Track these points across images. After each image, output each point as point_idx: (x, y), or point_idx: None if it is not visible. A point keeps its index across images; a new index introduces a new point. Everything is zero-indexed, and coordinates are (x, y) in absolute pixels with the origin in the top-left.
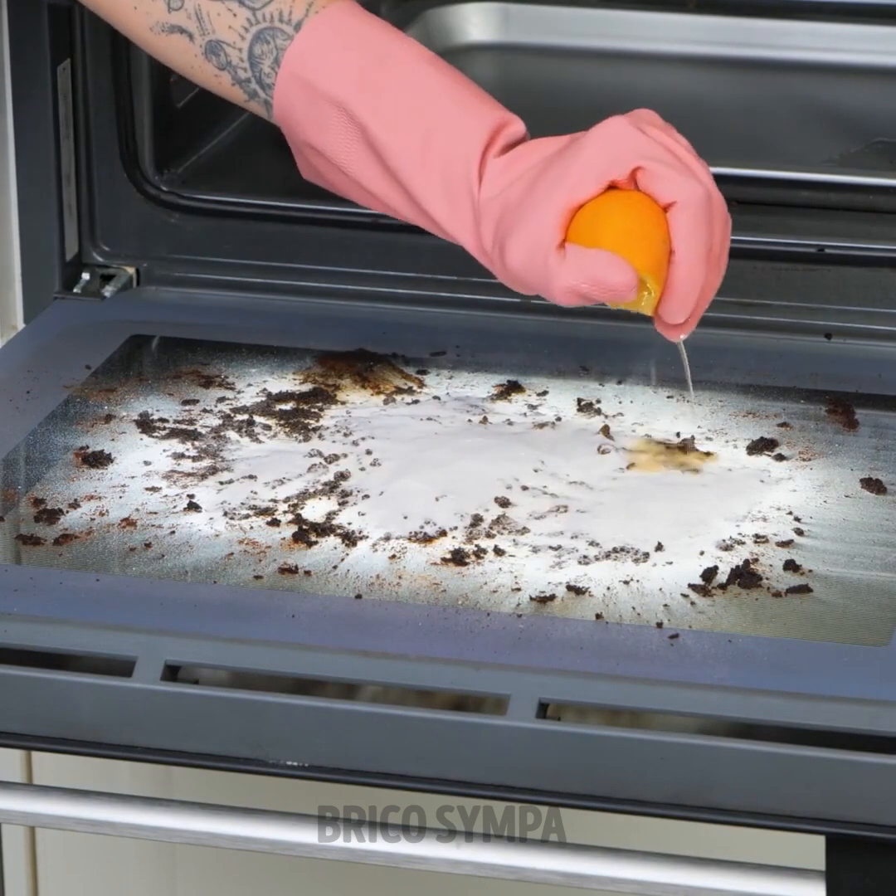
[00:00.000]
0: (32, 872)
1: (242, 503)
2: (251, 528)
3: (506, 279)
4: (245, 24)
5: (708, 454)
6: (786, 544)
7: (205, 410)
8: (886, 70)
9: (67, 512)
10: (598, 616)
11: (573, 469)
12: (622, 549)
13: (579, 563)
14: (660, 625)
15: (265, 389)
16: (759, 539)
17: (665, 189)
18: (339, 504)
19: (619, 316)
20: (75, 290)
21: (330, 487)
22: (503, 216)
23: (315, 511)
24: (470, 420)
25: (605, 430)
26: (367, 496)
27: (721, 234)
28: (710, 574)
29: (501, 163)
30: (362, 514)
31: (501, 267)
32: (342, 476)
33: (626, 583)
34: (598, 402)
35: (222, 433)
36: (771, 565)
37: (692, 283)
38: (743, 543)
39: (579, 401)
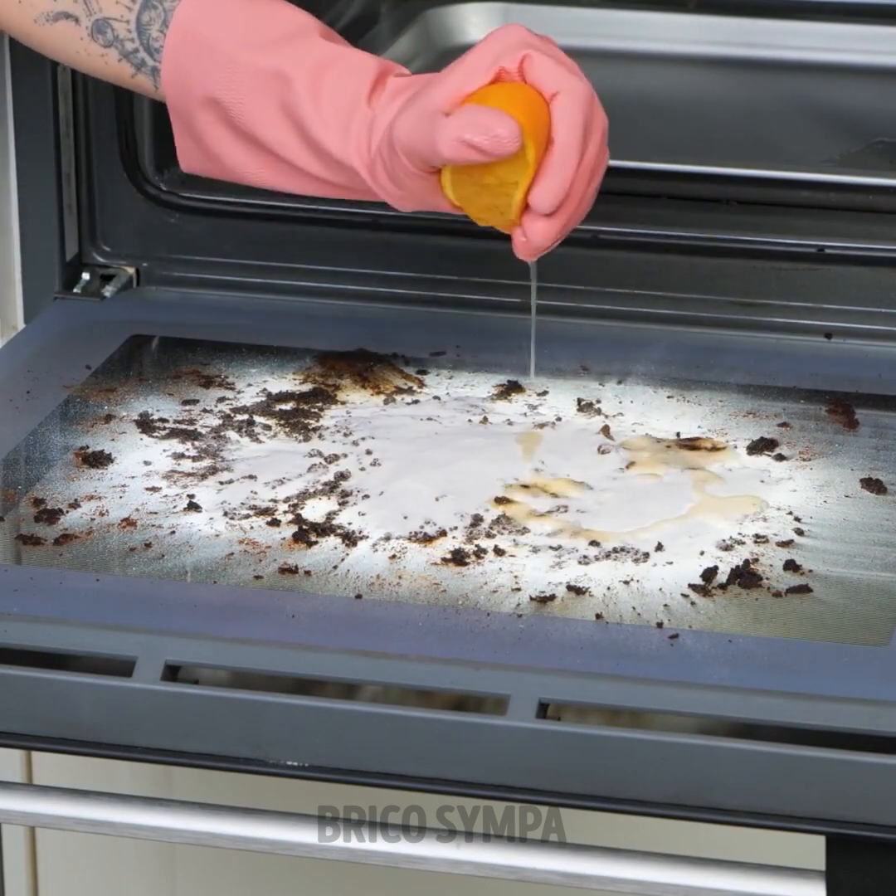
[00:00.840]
0: (32, 872)
1: (242, 503)
2: (251, 528)
3: (394, 190)
4: None
5: (709, 454)
6: (786, 544)
7: (205, 410)
8: (886, 70)
9: (67, 512)
10: (598, 616)
11: (573, 469)
12: (622, 549)
13: (579, 563)
14: (660, 625)
15: (265, 389)
16: (760, 539)
17: (550, 79)
18: (340, 504)
19: (618, 316)
20: (75, 290)
21: (330, 487)
22: (395, 118)
23: (315, 511)
24: (470, 420)
25: (605, 430)
26: (367, 496)
27: (598, 145)
28: (710, 574)
29: (392, 86)
30: (362, 514)
31: (391, 170)
32: (342, 476)
33: (626, 583)
34: (598, 402)
35: (222, 433)
36: (771, 565)
37: (566, 167)
38: (743, 543)
39: (579, 401)
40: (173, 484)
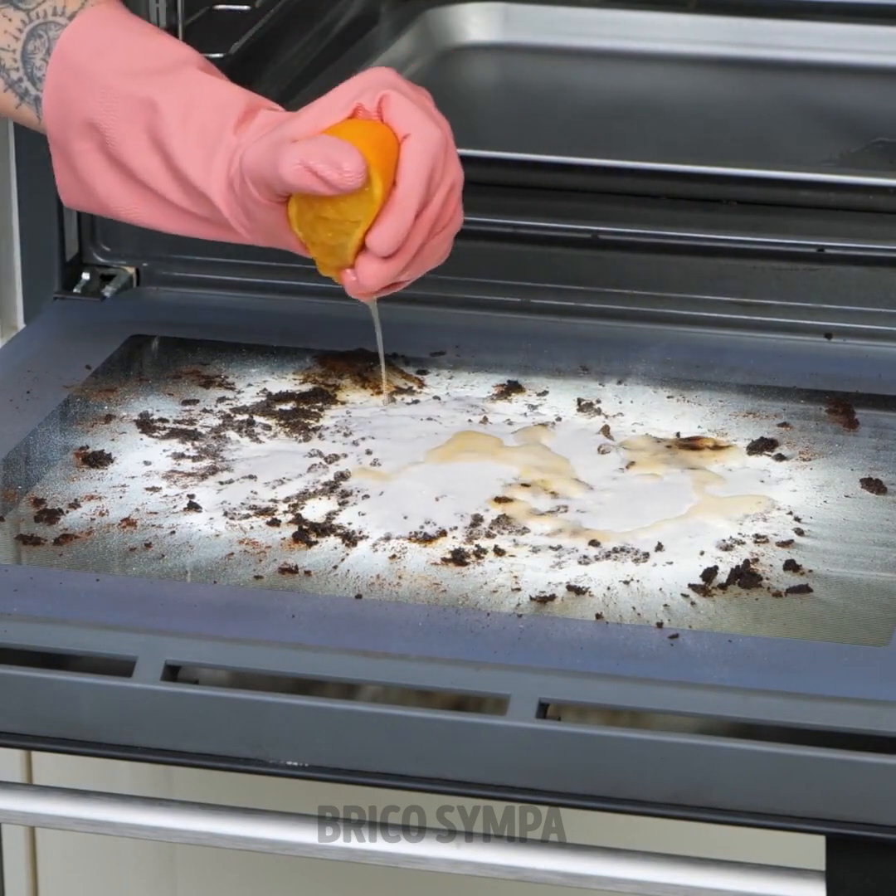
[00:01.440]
0: (32, 872)
1: (242, 503)
2: (251, 528)
3: (246, 222)
4: (19, 26)
5: (709, 454)
6: (786, 544)
7: (205, 410)
8: (886, 70)
9: (67, 512)
10: (598, 616)
11: (573, 469)
12: (622, 549)
13: (579, 563)
14: (660, 625)
15: (265, 389)
16: (759, 539)
17: (404, 120)
18: (339, 504)
19: (618, 316)
20: (75, 290)
21: (330, 487)
22: (248, 147)
23: (315, 511)
24: (470, 420)
25: (605, 430)
26: (367, 496)
27: (444, 197)
28: (710, 574)
29: (261, 119)
30: (362, 514)
31: (242, 201)
32: (342, 476)
33: (626, 583)
34: (598, 402)
35: (222, 433)
36: (771, 565)
37: (405, 211)
38: (743, 543)
39: (579, 401)
40: (173, 484)
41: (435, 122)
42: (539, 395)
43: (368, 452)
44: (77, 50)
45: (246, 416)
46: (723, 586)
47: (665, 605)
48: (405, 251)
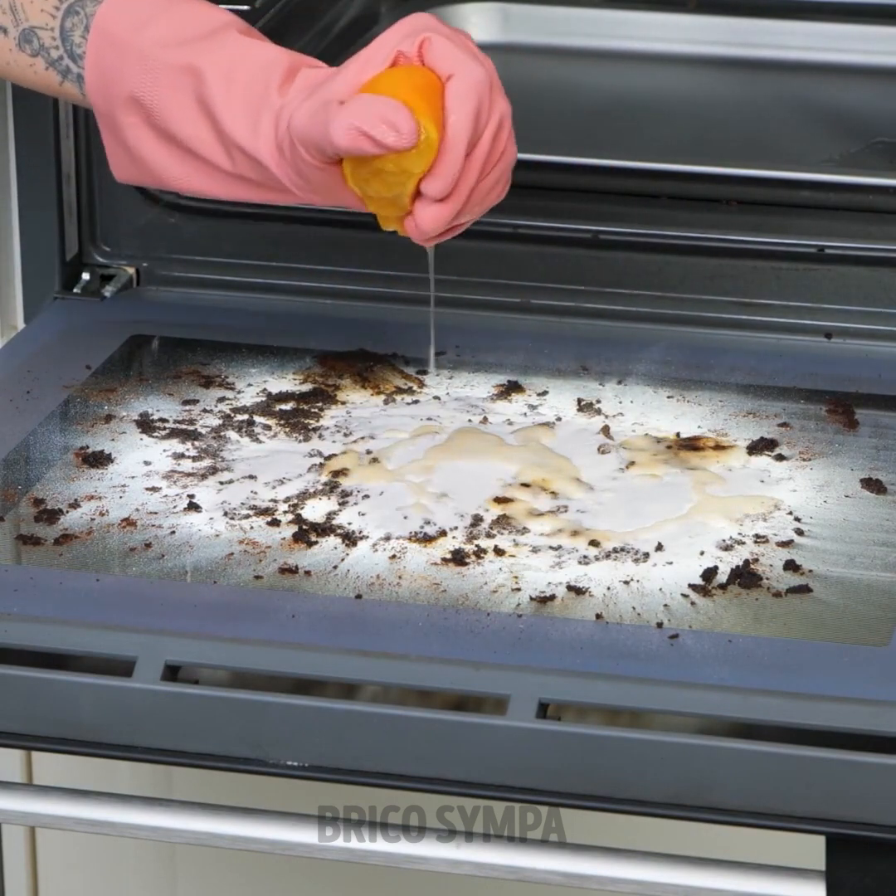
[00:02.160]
0: (32, 872)
1: (242, 503)
2: (251, 528)
3: (301, 183)
4: (56, 4)
5: (709, 454)
6: (786, 544)
7: (205, 410)
8: (886, 70)
9: (67, 512)
10: (598, 616)
11: (573, 469)
12: (622, 549)
13: (579, 563)
14: (660, 625)
15: (265, 389)
16: (759, 539)
17: (446, 61)
18: (339, 504)
19: (618, 316)
20: (75, 290)
21: (330, 487)
22: (295, 109)
23: (315, 511)
24: (470, 420)
25: (606, 430)
26: (367, 496)
27: (493, 133)
28: (710, 574)
29: (303, 78)
30: (362, 514)
31: (294, 163)
32: (342, 475)
33: (626, 583)
34: (598, 402)
35: (222, 433)
36: (771, 565)
37: (457, 149)
38: (743, 543)
39: (579, 401)
40: (173, 484)
41: (478, 60)
42: (539, 395)
43: (368, 452)
44: (116, 24)
45: (246, 416)
46: (723, 586)
47: (665, 605)
48: (459, 191)
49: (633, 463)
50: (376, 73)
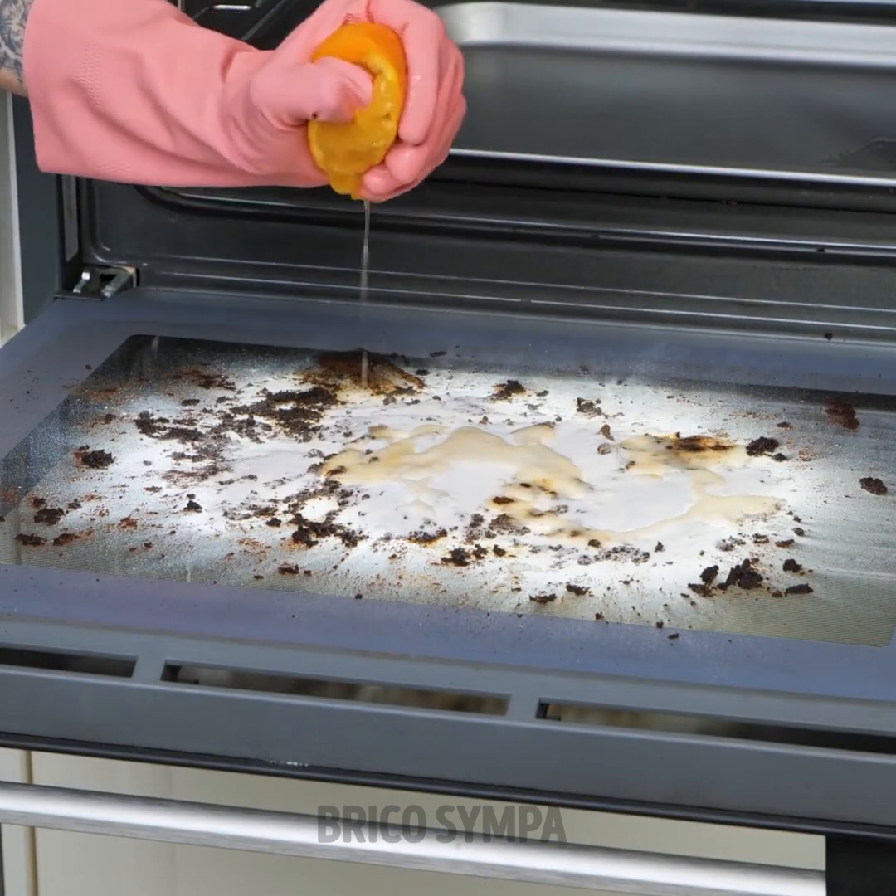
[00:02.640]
0: (32, 872)
1: (242, 503)
2: (251, 528)
3: (254, 154)
4: None
5: (709, 454)
6: (786, 544)
7: (205, 410)
8: (886, 70)
9: (67, 512)
10: (598, 616)
11: (573, 469)
12: (622, 549)
13: (579, 563)
14: (660, 625)
15: (265, 389)
16: (759, 539)
17: (398, 13)
18: (339, 504)
19: (618, 316)
20: (75, 290)
21: (330, 487)
22: (251, 80)
23: (315, 511)
24: (470, 420)
25: (605, 430)
26: (367, 496)
27: (452, 77)
28: (710, 574)
29: (240, 60)
30: (362, 514)
31: (250, 134)
32: (342, 476)
33: (626, 583)
34: (598, 402)
35: (222, 433)
36: (771, 565)
37: (428, 90)
38: (743, 543)
39: (579, 401)
40: (173, 484)
41: (424, 8)
42: (539, 395)
43: (368, 452)
44: (54, 11)
45: (246, 416)
46: (723, 586)
47: (665, 605)
48: (433, 133)
49: (633, 463)
50: (329, 34)
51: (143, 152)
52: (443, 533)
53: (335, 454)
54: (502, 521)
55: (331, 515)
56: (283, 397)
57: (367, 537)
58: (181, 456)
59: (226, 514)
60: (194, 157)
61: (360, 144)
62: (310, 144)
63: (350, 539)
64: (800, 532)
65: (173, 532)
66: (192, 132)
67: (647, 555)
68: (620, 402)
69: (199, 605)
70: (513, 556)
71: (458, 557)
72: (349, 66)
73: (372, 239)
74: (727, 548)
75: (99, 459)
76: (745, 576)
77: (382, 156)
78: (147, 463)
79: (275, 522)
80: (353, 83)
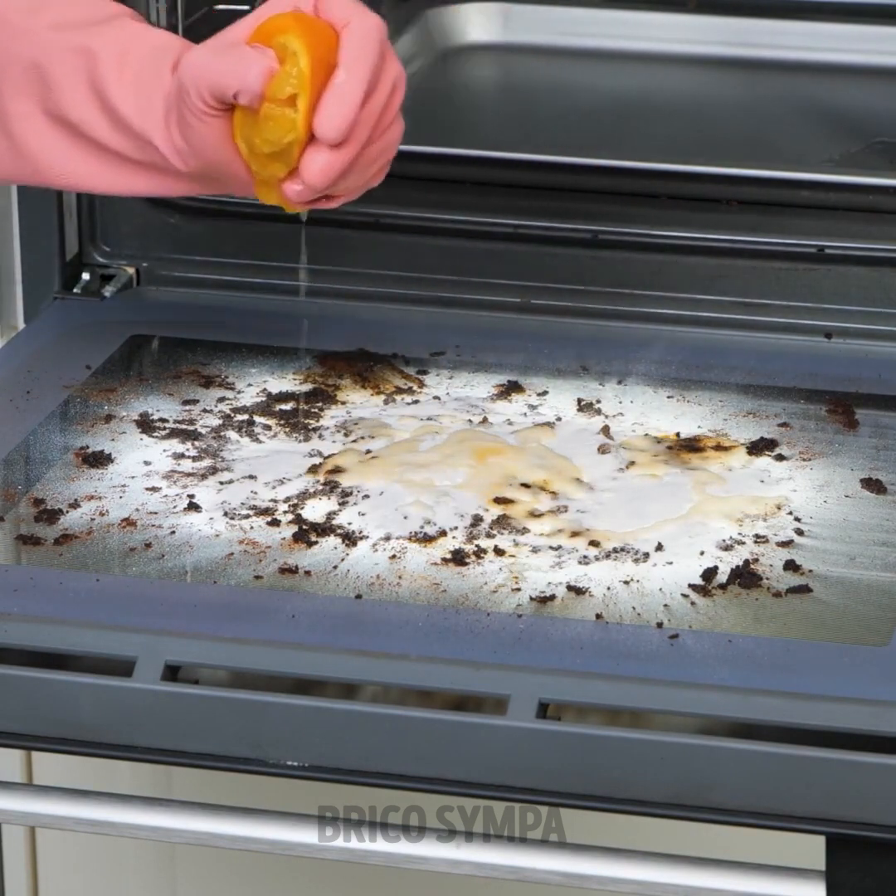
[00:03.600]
0: (32, 872)
1: (242, 503)
2: (251, 528)
3: (183, 146)
4: None
5: (709, 454)
6: (786, 544)
7: (205, 410)
8: (886, 70)
9: (67, 512)
10: (598, 616)
11: (573, 469)
12: (622, 549)
13: (579, 563)
14: (660, 625)
15: (265, 389)
16: (759, 539)
17: (342, 12)
18: (339, 504)
19: (618, 316)
20: (75, 290)
21: (330, 487)
22: (185, 57)
23: (315, 511)
24: (470, 420)
25: (605, 430)
26: (367, 496)
27: (389, 89)
28: (710, 574)
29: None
30: (362, 514)
31: (181, 119)
32: (342, 476)
33: (626, 583)
34: (598, 402)
35: (222, 433)
36: (771, 565)
37: (353, 89)
38: (743, 543)
39: (579, 401)
40: (173, 484)
41: (369, 10)
42: (539, 395)
43: (368, 452)
44: (8, 7)
45: (246, 416)
46: (723, 586)
47: (665, 605)
48: (353, 139)
49: (633, 463)
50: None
51: (92, 155)
52: (443, 533)
53: (335, 454)
54: (502, 521)
55: (331, 515)
56: (283, 397)
57: (367, 537)
58: (181, 456)
59: (226, 514)
60: (139, 157)
61: (269, 135)
62: (234, 135)
63: (350, 539)
64: (800, 532)
65: (173, 532)
66: (135, 128)
67: (647, 555)
68: (620, 402)
69: (199, 605)
70: (513, 556)
71: (458, 557)
72: (267, 49)
73: (373, 238)
74: (727, 548)
75: (99, 459)
76: (745, 576)
77: (297, 158)
78: (147, 463)
79: (275, 522)
80: (270, 66)
